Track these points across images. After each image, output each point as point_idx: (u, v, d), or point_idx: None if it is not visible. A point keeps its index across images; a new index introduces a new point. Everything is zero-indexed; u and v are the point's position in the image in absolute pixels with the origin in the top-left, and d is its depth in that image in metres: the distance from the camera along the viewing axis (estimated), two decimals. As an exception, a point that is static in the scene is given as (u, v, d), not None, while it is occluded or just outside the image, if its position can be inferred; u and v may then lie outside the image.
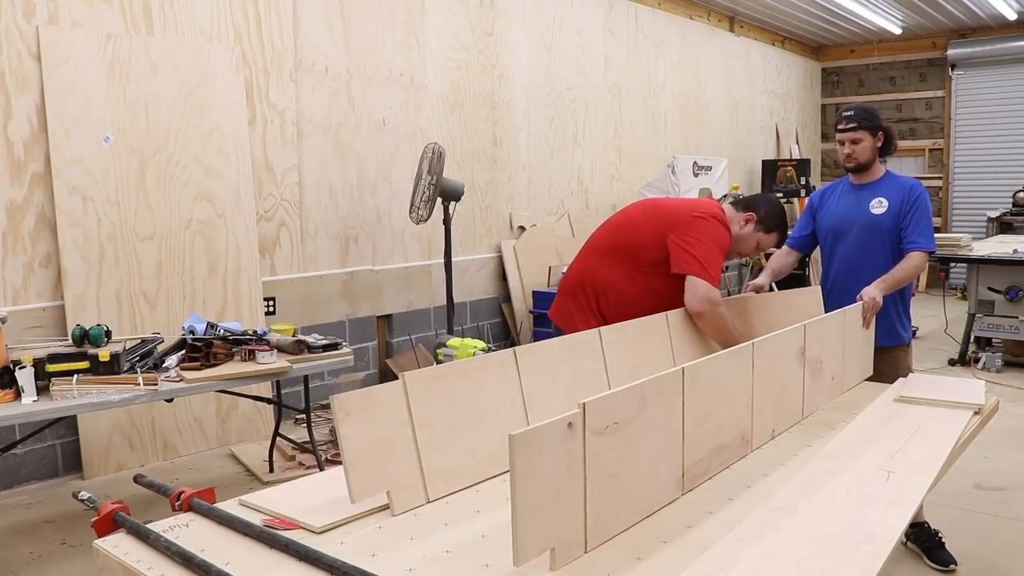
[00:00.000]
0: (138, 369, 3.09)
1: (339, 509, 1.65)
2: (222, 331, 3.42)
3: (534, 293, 6.22)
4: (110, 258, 4.06)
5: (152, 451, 4.24)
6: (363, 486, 1.63)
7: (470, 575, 1.43)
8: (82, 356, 2.98)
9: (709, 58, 9.00)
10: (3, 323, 2.96)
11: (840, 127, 3.09)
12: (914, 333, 3.66)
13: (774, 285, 3.30)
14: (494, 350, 3.75)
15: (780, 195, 9.36)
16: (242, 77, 4.56)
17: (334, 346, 3.56)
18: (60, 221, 3.90)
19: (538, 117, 6.70)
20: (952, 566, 2.97)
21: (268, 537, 1.53)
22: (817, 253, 3.42)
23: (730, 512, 1.68)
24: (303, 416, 3.78)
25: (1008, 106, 10.14)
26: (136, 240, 4.15)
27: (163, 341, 3.41)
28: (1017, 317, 5.95)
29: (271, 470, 4.04)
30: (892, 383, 2.73)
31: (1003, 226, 9.45)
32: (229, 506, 1.73)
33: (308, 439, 3.81)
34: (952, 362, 6.29)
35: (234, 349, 3.32)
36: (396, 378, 1.91)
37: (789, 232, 3.26)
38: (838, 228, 3.17)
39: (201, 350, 3.23)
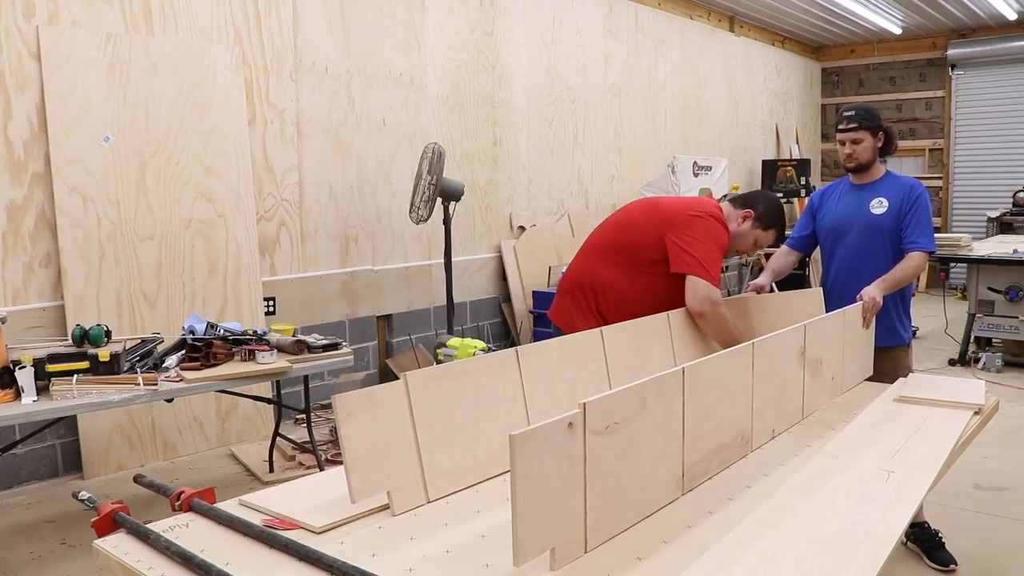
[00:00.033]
0: (138, 369, 3.09)
1: (339, 509, 1.65)
2: (222, 331, 3.42)
3: (534, 293, 6.22)
4: (110, 258, 4.06)
5: (152, 451, 4.24)
6: (364, 486, 1.63)
7: (470, 575, 1.43)
8: (82, 356, 2.98)
9: (709, 58, 9.00)
10: (3, 323, 2.96)
11: (841, 127, 3.09)
12: (914, 333, 3.66)
13: (774, 285, 3.30)
14: (494, 350, 3.75)
15: (780, 195, 9.37)
16: (242, 77, 4.56)
17: (334, 346, 3.56)
18: (60, 221, 3.90)
19: (538, 117, 6.70)
20: (952, 566, 2.97)
21: (268, 537, 1.53)
22: (817, 253, 3.41)
23: (730, 512, 1.68)
24: (303, 416, 3.78)
25: (1008, 106, 10.14)
26: (136, 240, 4.15)
27: (163, 341, 3.41)
28: (1017, 317, 5.95)
29: (271, 470, 4.04)
30: (892, 383, 2.73)
31: (1003, 226, 9.45)
32: (229, 506, 1.73)
33: (308, 439, 3.81)
34: (952, 362, 6.29)
35: (234, 349, 3.32)
36: (396, 378, 1.91)
37: (788, 232, 3.25)
38: (838, 228, 3.17)
39: (201, 350, 3.23)
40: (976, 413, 2.35)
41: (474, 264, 6.17)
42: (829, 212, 3.22)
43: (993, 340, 6.43)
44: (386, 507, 1.68)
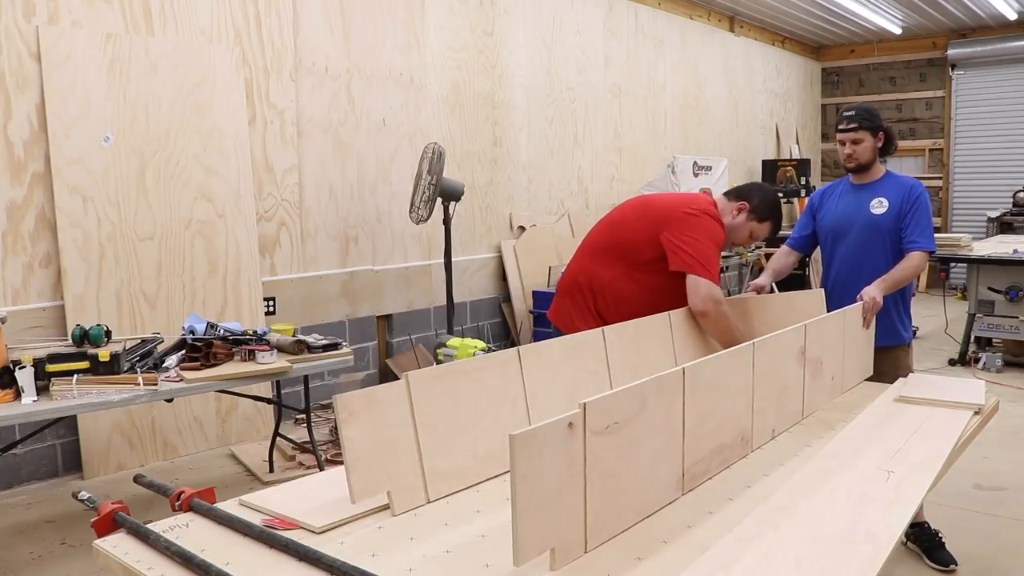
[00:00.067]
0: (138, 369, 3.09)
1: (339, 509, 1.65)
2: (222, 331, 3.42)
3: (534, 293, 6.22)
4: (110, 258, 4.06)
5: (152, 451, 4.24)
6: (364, 486, 1.63)
7: (470, 575, 1.43)
8: (82, 356, 2.98)
9: (709, 58, 9.00)
10: (3, 323, 2.96)
11: (841, 127, 3.09)
12: (914, 333, 3.66)
13: (775, 286, 3.30)
14: (494, 350, 3.75)
15: (780, 195, 9.36)
16: (242, 77, 4.56)
17: (334, 346, 3.56)
18: (60, 221, 3.90)
19: (538, 117, 6.70)
20: (952, 566, 2.97)
21: (268, 537, 1.53)
22: (817, 253, 3.41)
23: (730, 512, 1.68)
24: (303, 416, 3.78)
25: (1008, 106, 10.14)
26: (136, 240, 4.15)
27: (163, 341, 3.41)
28: (1017, 317, 5.95)
29: (271, 470, 4.04)
30: (892, 383, 2.73)
31: (1003, 226, 9.45)
32: (229, 506, 1.73)
33: (308, 439, 3.81)
34: (952, 362, 6.29)
35: (234, 349, 3.32)
36: (396, 378, 1.91)
37: (788, 231, 3.25)
38: (838, 228, 3.17)
39: (201, 350, 3.23)
40: (976, 413, 2.35)
41: (474, 264, 6.17)
42: (829, 212, 3.22)
43: (993, 340, 6.43)
44: (386, 507, 1.68)
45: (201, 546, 1.52)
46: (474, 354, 3.94)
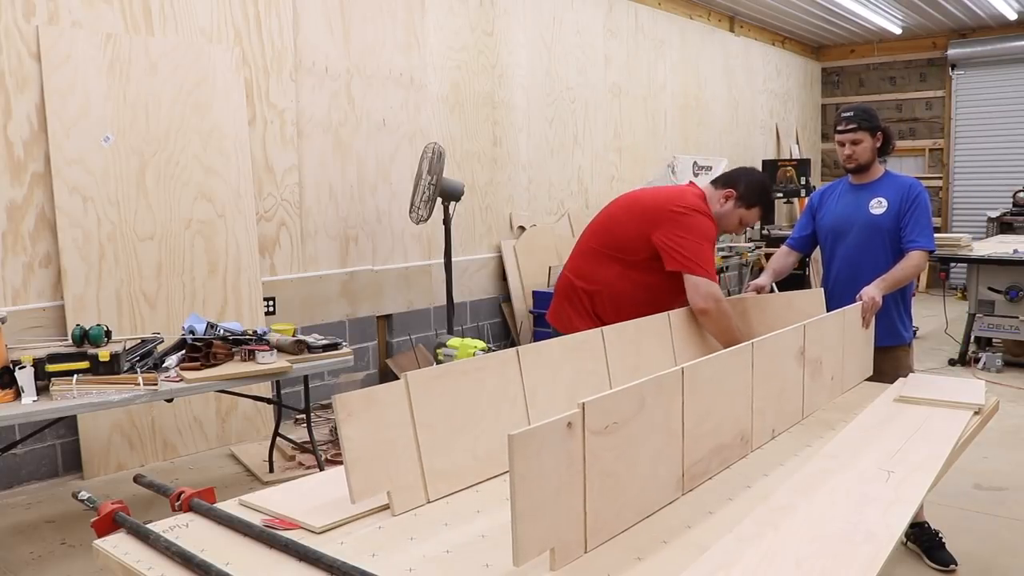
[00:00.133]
0: (138, 369, 3.09)
1: (339, 509, 1.65)
2: (222, 331, 3.42)
3: (534, 293, 6.22)
4: (110, 258, 4.06)
5: (152, 451, 4.24)
6: (364, 486, 1.63)
7: (470, 575, 1.43)
8: (82, 356, 2.98)
9: (709, 58, 9.00)
10: (3, 323, 2.96)
11: (840, 128, 3.09)
12: (915, 333, 3.66)
13: (775, 286, 3.30)
14: (494, 350, 3.75)
15: (780, 195, 9.37)
16: (242, 77, 4.56)
17: (334, 346, 3.56)
18: (60, 221, 3.90)
19: (538, 117, 6.70)
20: (952, 566, 2.97)
21: (268, 537, 1.53)
22: (817, 253, 3.42)
23: (730, 512, 1.68)
24: (303, 416, 3.78)
25: (1008, 106, 10.14)
26: (136, 240, 4.15)
27: (163, 341, 3.41)
28: (1017, 317, 5.95)
29: (271, 470, 4.04)
30: (892, 383, 2.73)
31: (1003, 226, 9.45)
32: (229, 506, 1.73)
33: (308, 439, 3.81)
34: (952, 362, 6.29)
35: (234, 349, 3.32)
36: (396, 378, 1.91)
37: (786, 230, 3.24)
38: (838, 228, 3.17)
39: (201, 350, 3.23)
40: (976, 413, 2.35)
41: (474, 264, 6.17)
42: (829, 212, 3.22)
43: (993, 340, 6.43)
44: (386, 507, 1.68)
45: (201, 546, 1.52)
46: (474, 354, 3.94)
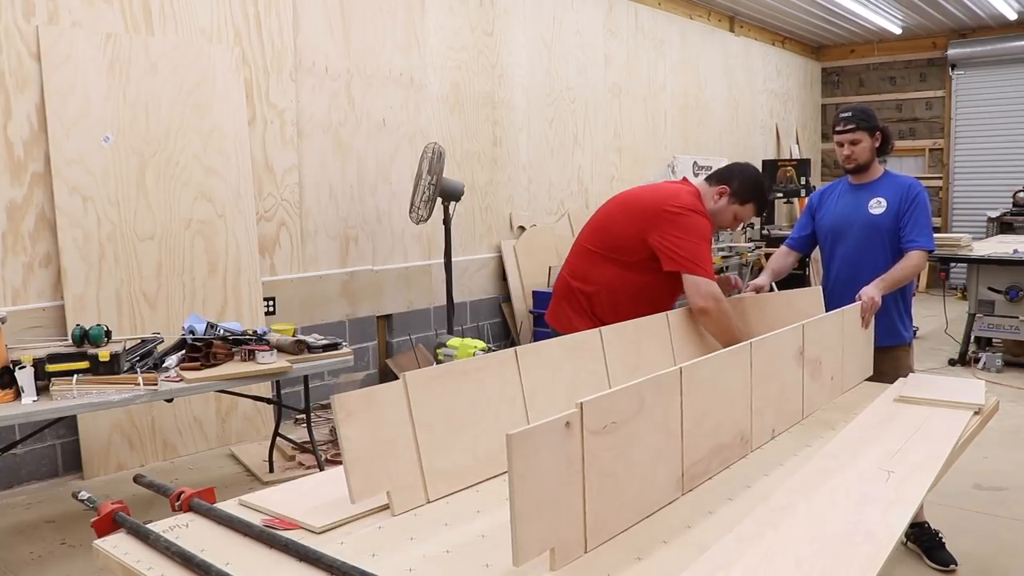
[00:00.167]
0: (138, 369, 3.09)
1: (339, 509, 1.65)
2: (222, 331, 3.42)
3: (534, 293, 6.22)
4: (110, 258, 4.06)
5: (152, 451, 4.24)
6: (363, 486, 1.63)
7: (470, 575, 1.43)
8: (82, 356, 2.98)
9: (709, 58, 9.00)
10: (3, 323, 2.96)
11: (838, 129, 3.09)
12: (915, 333, 3.65)
13: (774, 285, 3.30)
14: (494, 350, 3.75)
15: (780, 195, 9.37)
16: (242, 77, 4.56)
17: (334, 346, 3.56)
18: (60, 221, 3.90)
19: (538, 117, 6.70)
20: (952, 566, 2.97)
21: (268, 537, 1.53)
22: (817, 253, 3.41)
23: (730, 512, 1.68)
24: (303, 416, 3.78)
25: (1008, 106, 10.14)
26: (136, 240, 4.16)
27: (163, 341, 3.41)
28: (1017, 317, 5.95)
29: (271, 470, 4.04)
30: (892, 383, 2.73)
31: (1003, 226, 9.45)
32: (229, 506, 1.73)
33: (308, 439, 3.81)
34: (952, 362, 6.29)
35: (234, 349, 3.32)
36: (396, 378, 1.91)
37: (784, 228, 3.24)
38: (837, 228, 3.16)
39: (201, 350, 3.23)
40: (976, 413, 2.35)
41: (474, 264, 6.17)
42: (828, 212, 3.22)
43: (993, 340, 6.43)
44: (386, 507, 1.68)
45: (201, 546, 1.52)
46: (474, 354, 3.94)
